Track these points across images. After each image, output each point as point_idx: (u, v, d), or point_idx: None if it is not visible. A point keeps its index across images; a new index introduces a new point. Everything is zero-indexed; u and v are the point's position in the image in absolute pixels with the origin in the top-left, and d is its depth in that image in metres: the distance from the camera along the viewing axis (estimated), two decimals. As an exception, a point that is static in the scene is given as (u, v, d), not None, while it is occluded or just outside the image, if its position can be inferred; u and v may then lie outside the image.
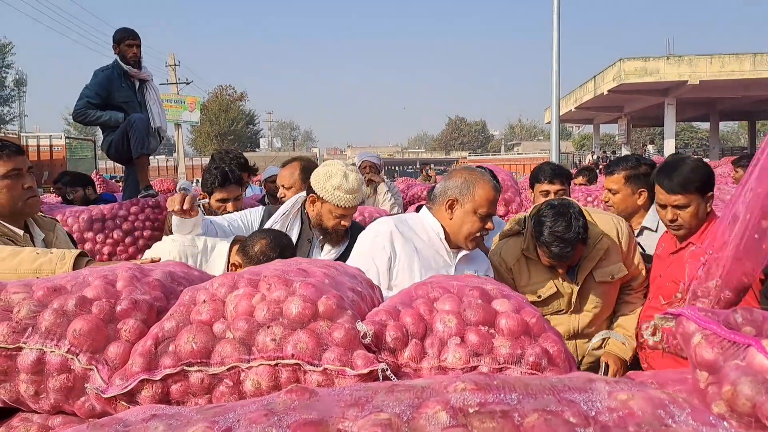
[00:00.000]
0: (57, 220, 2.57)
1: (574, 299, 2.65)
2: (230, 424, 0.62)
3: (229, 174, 3.37)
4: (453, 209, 2.30)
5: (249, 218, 2.92)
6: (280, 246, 2.36)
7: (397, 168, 53.49)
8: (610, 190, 3.29)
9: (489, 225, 2.31)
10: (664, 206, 2.50)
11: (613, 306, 2.79)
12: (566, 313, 2.69)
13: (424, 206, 2.46)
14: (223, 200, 3.34)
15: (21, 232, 2.24)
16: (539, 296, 2.66)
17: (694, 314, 0.86)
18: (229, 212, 3.16)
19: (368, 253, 2.28)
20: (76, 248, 2.30)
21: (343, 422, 0.61)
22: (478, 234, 2.31)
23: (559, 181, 3.58)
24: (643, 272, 2.80)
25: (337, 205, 2.65)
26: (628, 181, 3.20)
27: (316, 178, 2.73)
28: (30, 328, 1.23)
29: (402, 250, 2.26)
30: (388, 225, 2.31)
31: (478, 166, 3.18)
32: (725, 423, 0.58)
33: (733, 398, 0.73)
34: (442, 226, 2.32)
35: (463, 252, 2.36)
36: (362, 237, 2.38)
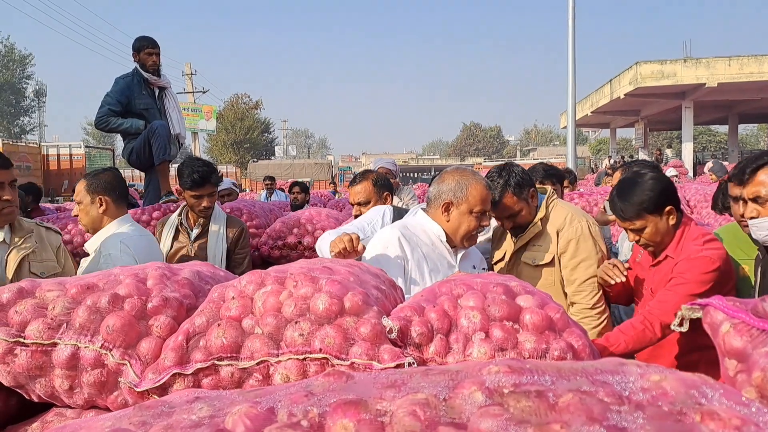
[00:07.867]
0: (57, 230, 2.70)
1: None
2: (272, 404, 0.64)
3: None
4: (449, 211, 2.35)
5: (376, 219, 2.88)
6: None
7: (412, 175, 53.49)
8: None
9: (485, 222, 2.39)
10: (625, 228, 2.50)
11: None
12: None
13: (419, 210, 2.50)
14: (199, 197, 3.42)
15: None
16: (493, 260, 2.92)
17: (722, 304, 0.87)
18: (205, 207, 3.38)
19: (382, 263, 2.21)
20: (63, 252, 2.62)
21: (381, 402, 0.62)
22: (474, 232, 2.38)
23: (550, 181, 3.67)
24: (581, 279, 2.65)
25: None
26: None
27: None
28: (64, 325, 1.27)
29: (411, 257, 2.28)
30: (395, 233, 2.31)
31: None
32: (758, 403, 0.58)
33: (764, 384, 0.74)
34: (442, 228, 2.36)
35: (463, 250, 2.42)
36: (371, 248, 2.34)
